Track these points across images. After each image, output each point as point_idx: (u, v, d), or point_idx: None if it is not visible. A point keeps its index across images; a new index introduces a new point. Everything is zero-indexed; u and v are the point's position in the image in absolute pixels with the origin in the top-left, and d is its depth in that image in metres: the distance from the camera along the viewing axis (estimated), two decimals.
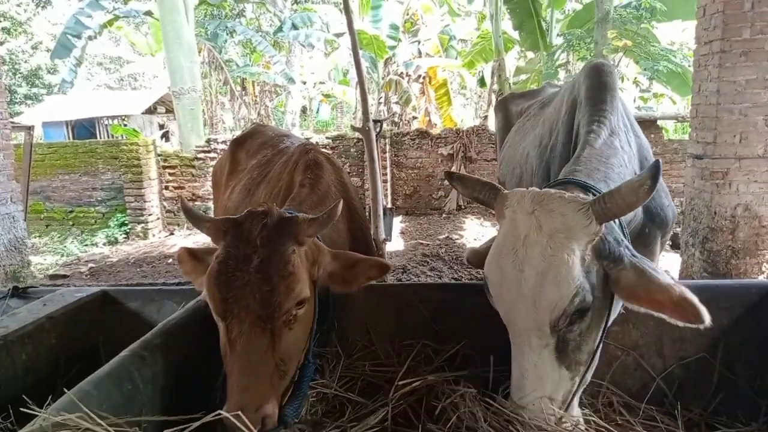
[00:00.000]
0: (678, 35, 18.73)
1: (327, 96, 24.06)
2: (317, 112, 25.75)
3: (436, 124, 15.04)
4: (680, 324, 1.37)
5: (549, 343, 1.44)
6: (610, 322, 1.55)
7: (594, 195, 1.64)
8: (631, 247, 1.54)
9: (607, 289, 1.48)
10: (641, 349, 2.14)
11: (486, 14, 20.98)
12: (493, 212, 1.69)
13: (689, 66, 10.94)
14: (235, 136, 3.73)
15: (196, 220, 1.67)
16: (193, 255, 1.75)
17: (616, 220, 1.60)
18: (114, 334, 2.43)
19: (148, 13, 14.56)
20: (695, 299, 1.34)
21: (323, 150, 2.78)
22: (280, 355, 1.50)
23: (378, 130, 6.09)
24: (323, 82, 22.68)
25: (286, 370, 1.54)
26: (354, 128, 6.21)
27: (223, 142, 9.68)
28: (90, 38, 13.67)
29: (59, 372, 2.19)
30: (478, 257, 1.88)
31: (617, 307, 1.58)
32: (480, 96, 27.70)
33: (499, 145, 3.87)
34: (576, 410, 1.60)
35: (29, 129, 7.55)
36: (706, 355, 2.04)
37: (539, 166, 2.70)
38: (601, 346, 1.56)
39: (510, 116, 3.78)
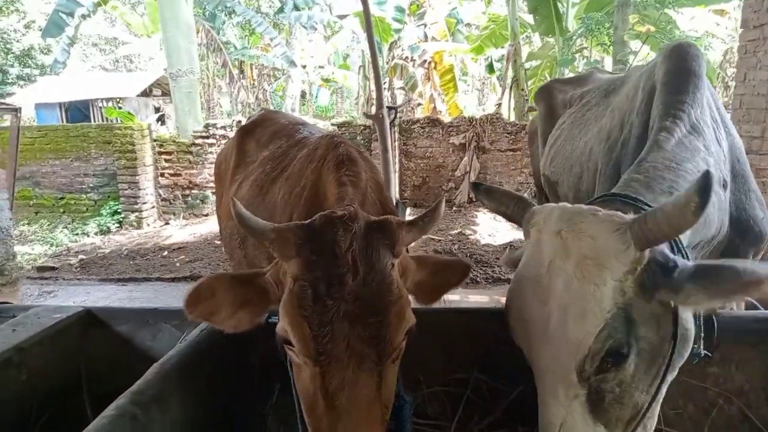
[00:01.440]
0: (686, 23, 18.24)
1: (326, 81, 23.53)
2: (316, 98, 25.19)
3: (441, 111, 14.57)
4: None
5: (579, 395, 1.16)
6: (672, 372, 1.22)
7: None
8: (686, 261, 1.19)
9: (664, 329, 1.17)
10: (747, 396, 1.75)
11: None
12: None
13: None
14: (242, 123, 3.28)
15: (256, 229, 1.24)
16: (238, 282, 1.28)
17: None
18: (99, 365, 2.02)
19: None
20: None
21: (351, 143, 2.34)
22: (385, 401, 1.17)
23: (392, 117, 5.69)
24: (322, 67, 22.11)
25: (387, 417, 1.20)
26: (367, 115, 5.78)
27: (222, 127, 9.20)
28: (83, 17, 13.06)
29: (31, 417, 1.77)
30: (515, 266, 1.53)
31: (683, 350, 1.24)
32: (483, 82, 27.20)
33: (541, 137, 3.44)
34: None
35: (16, 111, 7.04)
36: None
37: (606, 165, 2.28)
38: (657, 400, 1.23)
39: (555, 105, 3.34)
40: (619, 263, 1.13)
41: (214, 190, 9.30)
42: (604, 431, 1.19)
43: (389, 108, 5.56)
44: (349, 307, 1.10)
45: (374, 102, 17.24)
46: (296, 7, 15.34)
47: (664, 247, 1.21)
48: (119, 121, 11.67)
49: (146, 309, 2.08)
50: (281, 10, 15.62)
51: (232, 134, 9.18)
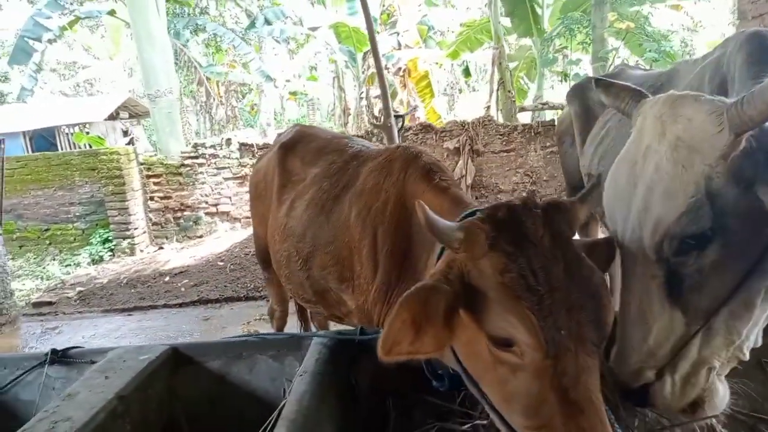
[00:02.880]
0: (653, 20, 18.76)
1: (294, 94, 23.40)
2: (283, 111, 25.00)
3: (419, 117, 14.60)
4: None
5: (656, 276, 1.18)
6: (762, 278, 1.14)
7: None
8: None
9: (758, 228, 1.12)
10: None
11: (452, 3, 20.72)
12: None
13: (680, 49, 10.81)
14: (281, 141, 3.19)
15: (444, 231, 1.15)
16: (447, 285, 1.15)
17: None
18: (195, 404, 1.90)
19: (112, 13, 13.63)
20: None
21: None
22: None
23: (400, 125, 5.66)
24: (288, 80, 21.97)
25: None
26: (375, 125, 5.75)
27: (212, 146, 9.01)
28: (50, 42, 12.68)
29: None
30: None
31: None
32: (452, 87, 27.42)
33: (579, 137, 3.43)
34: (719, 387, 1.25)
35: (0, 142, 6.75)
36: None
37: None
38: (752, 302, 1.15)
39: (590, 103, 3.34)
40: (711, 147, 1.10)
41: (207, 211, 9.15)
42: (681, 317, 1.17)
43: (396, 116, 5.53)
44: (563, 293, 1.05)
45: (351, 112, 17.04)
46: (267, 22, 15.21)
47: None
48: (88, 146, 11.31)
49: (237, 341, 1.96)
50: (253, 24, 15.46)
51: (222, 153, 9.01)
